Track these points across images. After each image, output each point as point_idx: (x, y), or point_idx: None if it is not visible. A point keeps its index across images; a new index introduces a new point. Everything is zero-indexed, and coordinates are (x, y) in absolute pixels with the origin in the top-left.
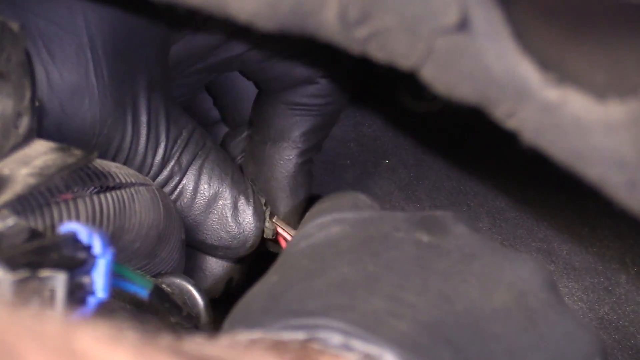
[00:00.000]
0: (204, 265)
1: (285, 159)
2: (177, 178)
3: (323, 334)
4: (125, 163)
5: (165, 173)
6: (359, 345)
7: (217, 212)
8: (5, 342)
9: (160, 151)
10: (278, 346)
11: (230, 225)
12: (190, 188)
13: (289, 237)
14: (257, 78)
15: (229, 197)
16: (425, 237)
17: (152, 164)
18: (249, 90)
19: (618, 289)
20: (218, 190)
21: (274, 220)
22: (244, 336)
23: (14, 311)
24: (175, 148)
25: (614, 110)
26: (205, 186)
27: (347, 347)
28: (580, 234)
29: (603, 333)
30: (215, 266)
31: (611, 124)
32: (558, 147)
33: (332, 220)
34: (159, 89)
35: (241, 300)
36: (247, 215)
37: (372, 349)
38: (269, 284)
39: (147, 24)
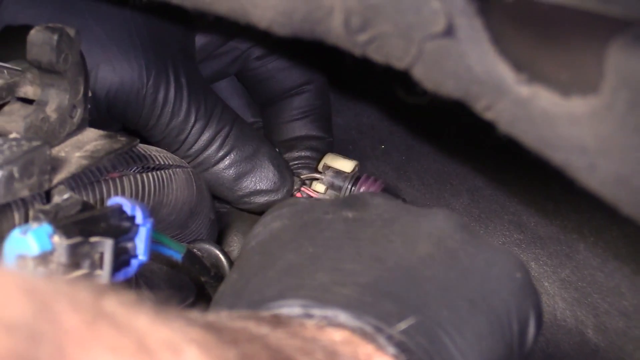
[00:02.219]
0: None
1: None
2: (223, 135)
3: (285, 310)
4: (172, 117)
5: (211, 131)
6: (317, 312)
7: (259, 162)
8: (46, 304)
9: (202, 109)
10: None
11: (272, 172)
12: (238, 144)
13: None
14: (252, 78)
15: (266, 153)
16: (350, 214)
17: (196, 119)
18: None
19: (577, 255)
20: (258, 148)
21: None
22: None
23: (55, 280)
24: (216, 110)
25: (577, 105)
26: (247, 142)
27: (308, 316)
28: (546, 208)
29: (564, 292)
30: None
31: (574, 116)
32: (529, 135)
33: (271, 217)
34: (192, 63)
35: (212, 301)
36: (282, 164)
37: (328, 312)
38: (231, 282)
39: (173, 18)
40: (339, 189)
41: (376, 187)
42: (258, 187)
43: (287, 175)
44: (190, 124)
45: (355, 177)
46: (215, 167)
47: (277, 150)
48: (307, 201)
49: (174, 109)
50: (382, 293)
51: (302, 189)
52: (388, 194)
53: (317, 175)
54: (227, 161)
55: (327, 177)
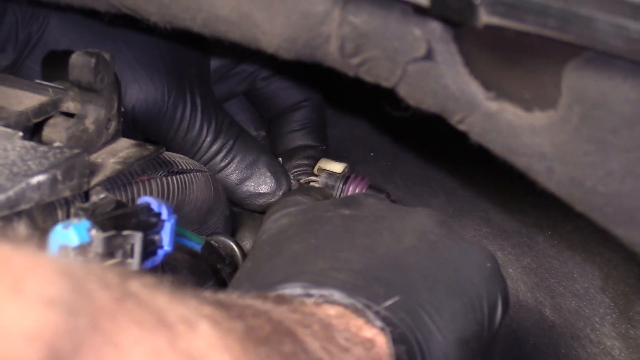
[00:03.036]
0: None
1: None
2: (228, 146)
3: (288, 291)
4: (187, 131)
5: (218, 143)
6: (315, 291)
7: (258, 169)
8: (81, 284)
9: (213, 125)
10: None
11: (269, 177)
12: (241, 154)
13: None
14: (259, 96)
15: (265, 161)
16: (347, 211)
17: (207, 132)
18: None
19: (536, 245)
20: (258, 156)
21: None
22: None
23: (87, 265)
24: (224, 125)
25: (537, 118)
26: (249, 154)
27: (307, 295)
28: (510, 206)
29: (526, 278)
30: (254, 234)
31: (535, 127)
32: (496, 144)
33: (280, 215)
34: (207, 86)
35: (229, 286)
36: (279, 170)
37: (324, 292)
38: (246, 269)
39: (192, 44)
40: (332, 187)
41: (363, 184)
42: (257, 191)
43: (283, 180)
44: (203, 138)
45: (345, 177)
46: (221, 173)
47: (280, 158)
48: (311, 201)
49: (189, 125)
50: (372, 278)
51: None
52: (375, 190)
53: (313, 178)
54: (230, 168)
55: (322, 178)
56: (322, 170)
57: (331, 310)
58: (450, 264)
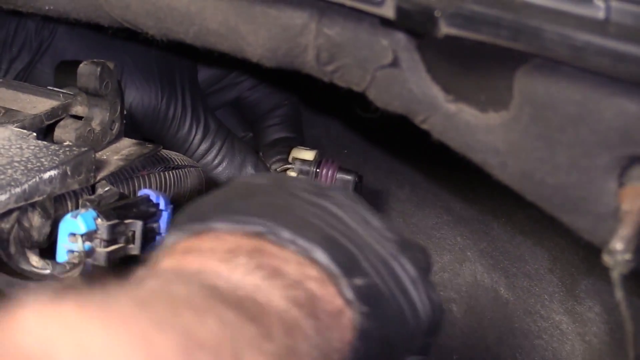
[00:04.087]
0: None
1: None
2: (217, 146)
3: (276, 230)
4: (178, 131)
5: (207, 141)
6: (302, 242)
7: (245, 169)
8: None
9: (202, 125)
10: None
11: (253, 173)
12: (230, 153)
13: None
14: (246, 104)
15: (252, 161)
16: (314, 189)
17: (196, 130)
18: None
19: (492, 231)
20: (245, 157)
21: None
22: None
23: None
24: (212, 125)
25: (492, 118)
26: (237, 153)
27: (293, 242)
28: (468, 196)
29: (483, 260)
30: None
31: (490, 126)
32: (455, 141)
33: (254, 177)
34: (196, 90)
35: (190, 204)
36: (262, 169)
37: (307, 245)
38: (215, 196)
39: (183, 54)
40: (307, 172)
41: (334, 167)
42: None
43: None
44: (192, 135)
45: (317, 162)
46: (213, 172)
47: (260, 153)
48: (285, 176)
49: (180, 123)
50: (337, 245)
51: None
52: (344, 171)
53: (289, 166)
54: (220, 168)
55: (297, 165)
56: (295, 159)
57: (312, 272)
58: (374, 233)
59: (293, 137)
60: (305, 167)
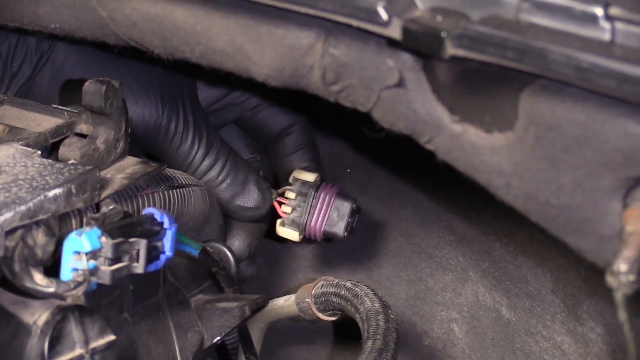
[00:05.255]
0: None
1: None
2: (220, 163)
3: None
4: (179, 146)
5: (210, 158)
6: None
7: (247, 187)
8: None
9: (204, 140)
10: None
11: (255, 191)
12: (233, 172)
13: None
14: (249, 125)
15: (254, 180)
16: None
17: (199, 146)
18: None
19: (494, 252)
20: (247, 175)
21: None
22: None
23: None
24: (214, 142)
25: (497, 139)
26: (240, 171)
27: None
28: (471, 216)
29: (484, 280)
30: (243, 238)
31: (495, 147)
32: (460, 161)
33: None
34: (197, 106)
35: None
36: (264, 187)
37: None
38: None
39: (185, 71)
40: (305, 194)
41: (333, 191)
42: (246, 205)
43: (268, 196)
44: (195, 151)
45: (317, 185)
46: (217, 189)
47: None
48: None
49: (181, 138)
50: None
51: (278, 198)
52: (343, 197)
53: (289, 187)
54: (224, 185)
55: (296, 186)
56: (296, 179)
57: None
58: None
59: (309, 165)
60: (304, 190)
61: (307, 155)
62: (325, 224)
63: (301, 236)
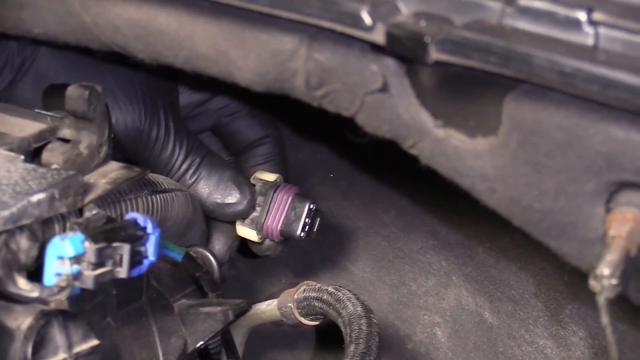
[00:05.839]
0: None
1: None
2: (196, 164)
3: None
4: (161, 152)
5: (188, 161)
6: None
7: (224, 184)
8: None
9: (184, 146)
10: None
11: (233, 188)
12: (207, 170)
13: None
14: (224, 132)
15: (230, 175)
16: None
17: (179, 152)
18: None
19: (477, 256)
20: (223, 172)
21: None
22: None
23: None
24: (194, 146)
25: (480, 143)
26: (215, 171)
27: None
28: (454, 221)
29: (467, 284)
30: (223, 241)
31: (478, 152)
32: (443, 166)
33: None
34: (177, 113)
35: None
36: (242, 183)
37: None
38: None
39: (166, 77)
40: (265, 194)
41: (291, 192)
42: (225, 202)
43: (247, 191)
44: (175, 157)
45: (276, 185)
46: (191, 188)
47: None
48: None
49: (163, 145)
50: None
51: None
52: (301, 197)
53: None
54: (199, 184)
55: (257, 186)
56: (257, 179)
57: None
58: None
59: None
60: (264, 189)
61: (277, 167)
62: (282, 224)
63: (259, 235)
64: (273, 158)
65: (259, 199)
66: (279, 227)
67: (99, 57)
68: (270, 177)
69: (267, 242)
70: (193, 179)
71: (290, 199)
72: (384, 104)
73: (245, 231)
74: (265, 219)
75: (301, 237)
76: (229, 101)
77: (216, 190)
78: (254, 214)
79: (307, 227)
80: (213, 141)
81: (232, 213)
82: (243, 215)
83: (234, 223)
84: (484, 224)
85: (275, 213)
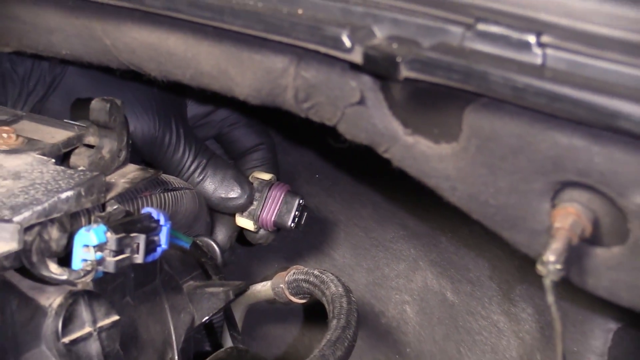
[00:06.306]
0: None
1: None
2: (203, 165)
3: None
4: (173, 155)
5: (196, 162)
6: None
7: (227, 181)
8: None
9: (193, 149)
10: None
11: (235, 185)
12: (213, 170)
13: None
14: (225, 140)
15: (232, 174)
16: None
17: (189, 155)
18: None
19: (440, 244)
20: (226, 171)
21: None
22: None
23: None
24: (200, 150)
25: (444, 148)
26: (219, 170)
27: None
28: (421, 215)
29: (432, 268)
30: (225, 232)
31: (442, 156)
32: (412, 168)
33: None
34: (186, 122)
35: None
36: (242, 180)
37: None
38: None
39: (176, 91)
40: (261, 191)
41: (283, 189)
42: (228, 196)
43: (247, 187)
44: (185, 159)
45: (270, 183)
46: (199, 186)
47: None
48: None
49: (175, 149)
50: None
51: None
52: (292, 194)
53: None
54: (206, 182)
55: (255, 184)
56: (255, 178)
57: None
58: None
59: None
60: (260, 187)
61: (270, 169)
62: (275, 216)
63: (255, 225)
64: (267, 162)
65: (256, 195)
66: (272, 219)
67: (118, 75)
68: (266, 176)
69: (262, 231)
70: (200, 177)
71: (282, 195)
72: (361, 115)
73: (244, 222)
74: (261, 212)
75: (292, 227)
76: (229, 113)
77: (220, 187)
78: (252, 207)
79: (297, 219)
80: (216, 147)
81: (233, 206)
82: (243, 209)
83: (234, 216)
84: (446, 217)
85: (270, 207)
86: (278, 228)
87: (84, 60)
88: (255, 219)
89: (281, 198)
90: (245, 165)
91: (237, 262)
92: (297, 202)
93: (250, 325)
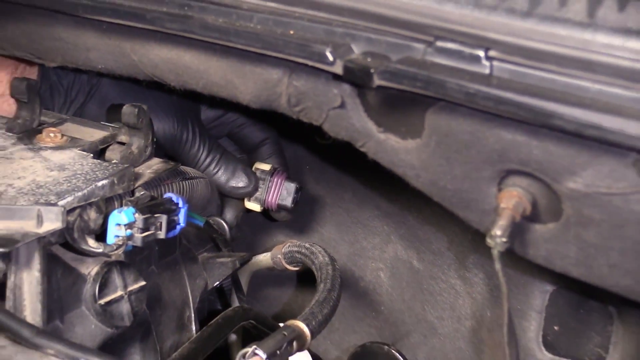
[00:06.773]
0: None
1: None
2: (217, 159)
3: None
4: (190, 150)
5: (210, 156)
6: None
7: (237, 173)
8: None
9: (206, 145)
10: None
11: (244, 176)
12: (225, 164)
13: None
14: (236, 138)
15: (241, 167)
16: None
17: (203, 150)
18: None
19: (408, 222)
20: (236, 165)
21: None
22: None
23: None
24: (214, 146)
25: (409, 144)
26: (230, 164)
27: None
28: (392, 198)
29: (401, 242)
30: (232, 212)
31: (408, 149)
32: (384, 160)
33: None
34: (200, 122)
35: None
36: (250, 172)
37: None
38: None
39: (192, 97)
40: (264, 179)
41: (283, 177)
42: (238, 185)
43: (253, 177)
44: (200, 153)
45: (271, 172)
46: (215, 176)
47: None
48: None
49: (191, 145)
50: None
51: None
52: (289, 180)
53: None
54: (219, 173)
55: (257, 173)
56: (256, 168)
57: None
58: None
59: (279, 169)
60: (263, 175)
61: (277, 160)
62: (278, 199)
63: (261, 208)
64: (274, 153)
65: (260, 183)
66: (276, 202)
67: (144, 85)
68: (265, 166)
69: (282, 212)
70: (215, 170)
71: (282, 181)
72: (342, 117)
73: (252, 205)
74: (266, 196)
75: (292, 207)
76: (237, 116)
77: (232, 178)
78: (257, 193)
79: (295, 200)
80: (229, 144)
81: (242, 193)
82: (250, 195)
83: (241, 200)
84: (413, 199)
85: (274, 192)
86: (280, 209)
87: (116, 73)
88: (262, 203)
89: (281, 184)
90: (257, 158)
91: (242, 237)
92: (294, 187)
93: (254, 289)
